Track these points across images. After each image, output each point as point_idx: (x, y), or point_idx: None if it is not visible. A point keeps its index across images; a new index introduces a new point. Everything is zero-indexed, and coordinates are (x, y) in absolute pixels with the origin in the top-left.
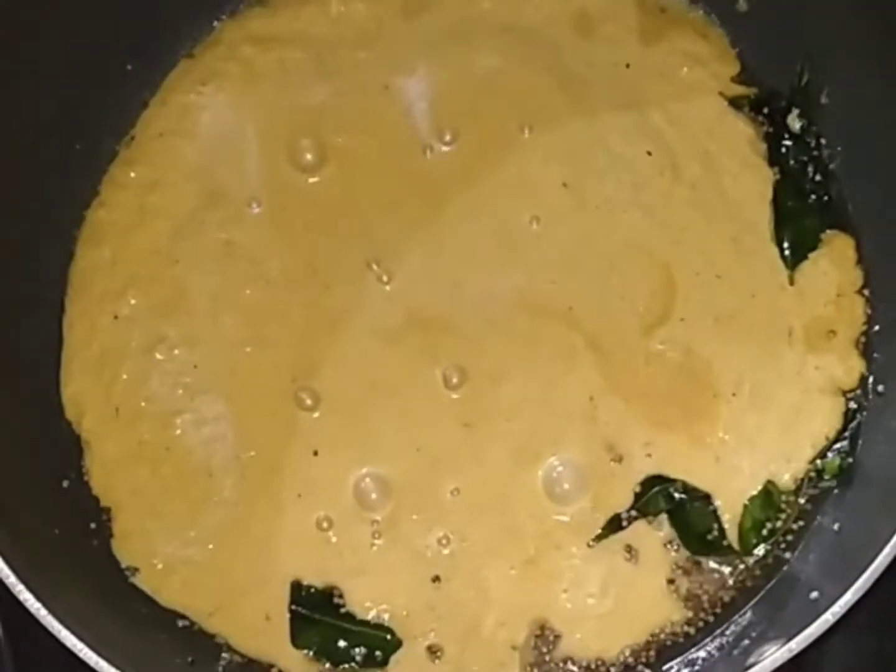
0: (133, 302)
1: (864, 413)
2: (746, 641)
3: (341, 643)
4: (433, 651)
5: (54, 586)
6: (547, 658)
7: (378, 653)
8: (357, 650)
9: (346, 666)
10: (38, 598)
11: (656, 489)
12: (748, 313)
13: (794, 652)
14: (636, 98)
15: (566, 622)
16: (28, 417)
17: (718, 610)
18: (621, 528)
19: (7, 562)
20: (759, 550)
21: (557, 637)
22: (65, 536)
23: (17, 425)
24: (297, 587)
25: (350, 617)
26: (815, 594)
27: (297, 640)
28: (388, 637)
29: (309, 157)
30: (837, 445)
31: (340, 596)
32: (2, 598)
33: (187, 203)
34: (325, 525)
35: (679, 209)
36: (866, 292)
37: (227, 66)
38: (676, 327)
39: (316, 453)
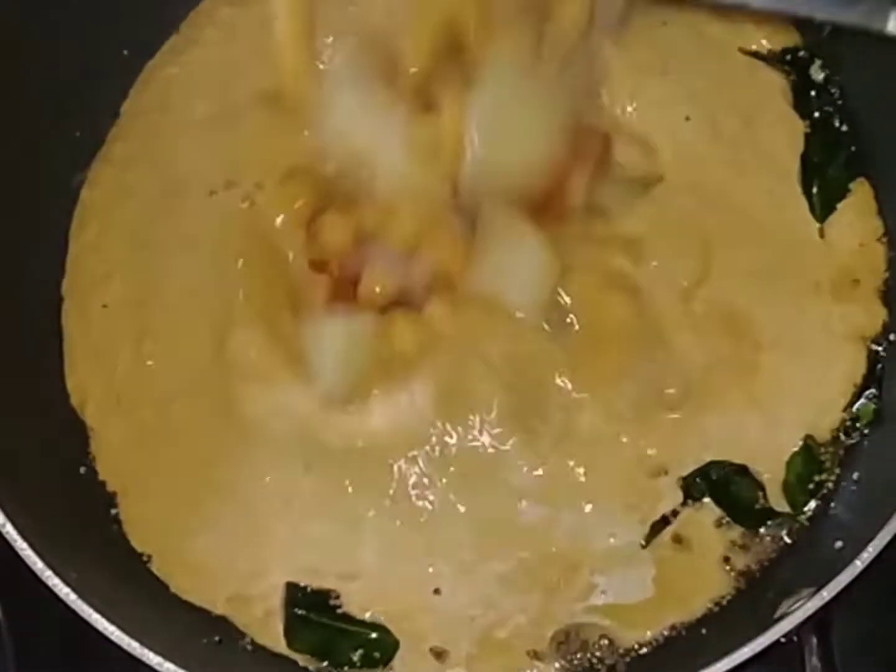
0: (116, 290)
1: (888, 361)
2: (771, 594)
3: (339, 644)
4: (437, 653)
5: (81, 572)
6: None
7: (377, 654)
8: (356, 652)
9: (346, 669)
10: (67, 583)
11: (692, 475)
12: (781, 267)
13: (826, 600)
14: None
15: (604, 618)
16: (40, 407)
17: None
18: (668, 523)
19: (34, 549)
20: (811, 506)
21: (585, 641)
22: (86, 523)
23: (30, 415)
24: (293, 587)
25: (347, 617)
26: (839, 543)
27: (293, 642)
28: (387, 638)
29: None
30: (867, 392)
31: (337, 597)
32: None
33: (158, 184)
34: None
35: (717, 166)
36: (885, 240)
37: (206, 33)
38: (716, 287)
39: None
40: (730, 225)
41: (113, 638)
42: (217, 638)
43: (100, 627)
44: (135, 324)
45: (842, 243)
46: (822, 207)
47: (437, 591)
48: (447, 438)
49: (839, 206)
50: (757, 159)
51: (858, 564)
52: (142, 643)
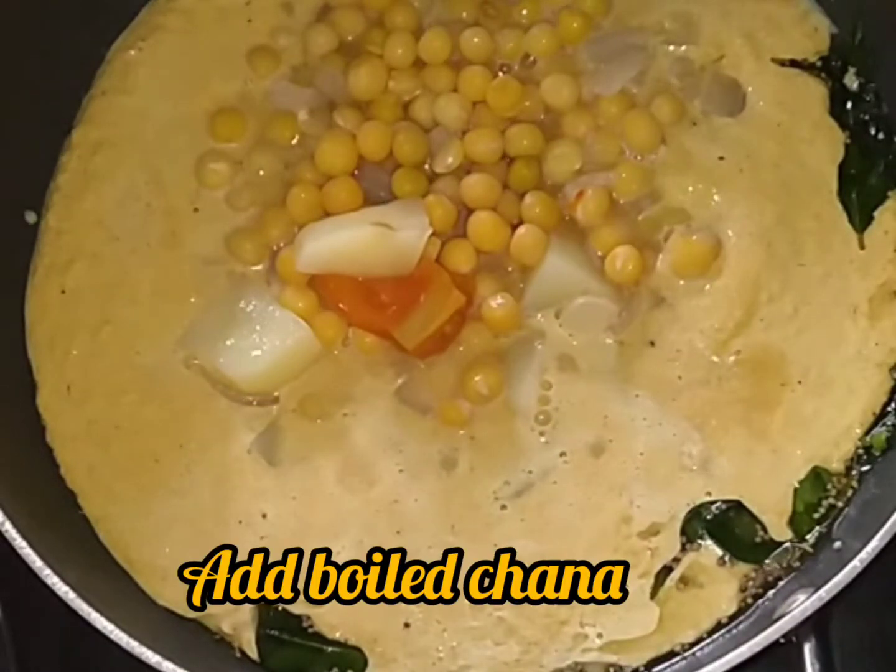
0: (78, 277)
1: None
2: (772, 592)
3: (313, 663)
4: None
5: (79, 570)
6: None
7: (350, 671)
8: (331, 670)
9: None
10: (67, 583)
11: (688, 517)
12: (822, 296)
13: (825, 600)
14: None
15: (604, 654)
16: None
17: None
18: (671, 570)
19: (34, 548)
20: (813, 534)
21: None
22: (85, 522)
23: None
24: (263, 608)
25: (319, 636)
26: (838, 543)
27: (268, 661)
28: (360, 655)
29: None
30: (883, 421)
31: (308, 618)
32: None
33: (130, 169)
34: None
35: (761, 200)
36: None
37: (167, 19)
38: (756, 329)
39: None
40: (781, 259)
41: (113, 637)
42: (217, 637)
43: (100, 627)
44: (94, 312)
45: (879, 254)
46: (861, 217)
47: (406, 625)
48: None
49: (875, 213)
50: (803, 178)
51: (858, 564)
52: (141, 642)
